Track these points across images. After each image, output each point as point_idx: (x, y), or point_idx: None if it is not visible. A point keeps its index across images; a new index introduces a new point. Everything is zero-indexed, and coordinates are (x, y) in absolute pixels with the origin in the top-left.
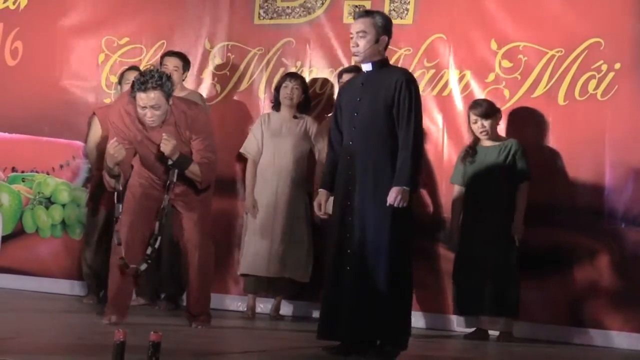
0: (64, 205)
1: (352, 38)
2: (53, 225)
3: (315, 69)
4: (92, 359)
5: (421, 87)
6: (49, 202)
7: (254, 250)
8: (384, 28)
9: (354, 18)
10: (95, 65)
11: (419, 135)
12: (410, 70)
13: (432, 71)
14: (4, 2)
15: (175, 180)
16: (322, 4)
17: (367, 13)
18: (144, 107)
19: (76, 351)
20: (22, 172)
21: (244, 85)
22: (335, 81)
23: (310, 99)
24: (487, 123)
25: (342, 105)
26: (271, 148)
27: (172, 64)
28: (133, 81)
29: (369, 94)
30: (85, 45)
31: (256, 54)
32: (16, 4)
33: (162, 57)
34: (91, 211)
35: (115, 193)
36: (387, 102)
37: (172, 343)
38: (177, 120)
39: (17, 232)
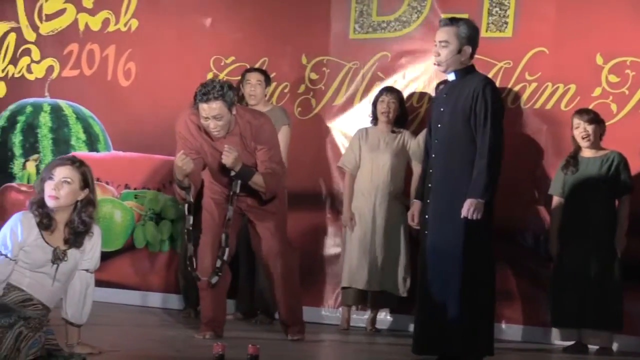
0: (172, 221)
1: (435, 47)
2: (162, 240)
3: (411, 82)
4: None
5: (522, 101)
6: (158, 217)
7: (354, 263)
8: (468, 38)
9: (440, 26)
10: None
11: (496, 144)
12: (511, 83)
13: (534, 85)
14: (115, 25)
15: (238, 191)
16: (418, 17)
17: (452, 22)
18: (207, 118)
19: None
20: (135, 189)
21: (339, 99)
22: (433, 94)
23: (407, 112)
24: (590, 128)
25: (431, 117)
26: (369, 162)
27: (255, 78)
28: (195, 92)
29: (449, 105)
30: (195, 65)
31: (351, 68)
32: (127, 26)
33: (243, 74)
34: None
35: (186, 205)
36: (465, 112)
37: (269, 356)
38: (242, 130)
39: (127, 247)
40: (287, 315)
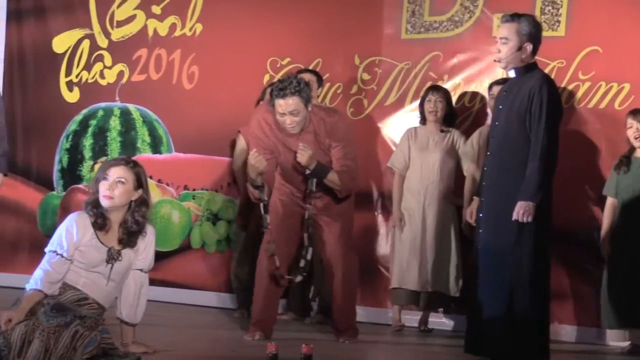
0: (229, 222)
1: (496, 44)
2: (219, 240)
3: (463, 82)
4: None
5: (576, 100)
6: (215, 218)
7: (404, 264)
8: (529, 35)
9: (501, 22)
10: (261, 86)
11: (550, 146)
12: (564, 82)
13: (588, 84)
14: (181, 30)
15: (314, 189)
16: (470, 17)
17: (513, 18)
18: (283, 114)
19: None
20: (193, 189)
21: (390, 99)
22: (486, 94)
23: (455, 111)
24: None
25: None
26: (418, 162)
27: (307, 79)
28: (272, 89)
29: (507, 103)
30: (252, 67)
31: (403, 69)
32: (192, 31)
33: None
34: (240, 226)
35: (262, 204)
36: (520, 111)
37: (323, 356)
38: (316, 128)
39: (184, 248)
40: (341, 321)
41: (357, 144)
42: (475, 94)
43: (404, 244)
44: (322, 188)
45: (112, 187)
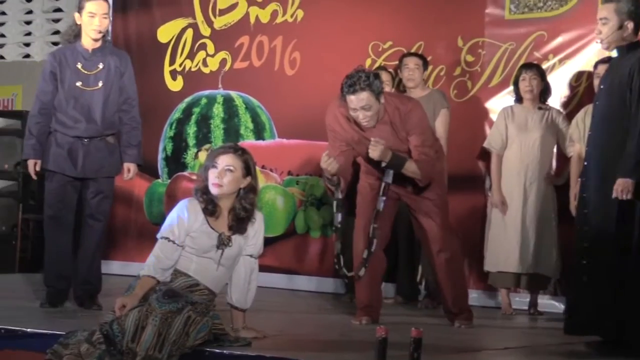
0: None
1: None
2: (323, 225)
3: (569, 61)
4: (356, 355)
5: None
6: (320, 203)
7: (504, 245)
8: (629, 13)
9: (601, 3)
10: None
11: None
12: None
13: None
14: (282, 16)
15: (390, 182)
16: None
17: None
18: (355, 110)
19: (340, 348)
20: (297, 175)
21: (495, 80)
22: (591, 73)
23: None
24: None
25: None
26: (517, 141)
27: (413, 62)
28: (342, 84)
29: (608, 82)
30: (354, 52)
31: (507, 49)
32: (294, 17)
33: (401, 58)
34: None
35: (335, 202)
36: (622, 89)
37: (432, 339)
38: (392, 117)
39: (289, 233)
40: (453, 304)
41: (462, 126)
42: (581, 73)
43: (503, 226)
44: (401, 178)
45: (221, 175)
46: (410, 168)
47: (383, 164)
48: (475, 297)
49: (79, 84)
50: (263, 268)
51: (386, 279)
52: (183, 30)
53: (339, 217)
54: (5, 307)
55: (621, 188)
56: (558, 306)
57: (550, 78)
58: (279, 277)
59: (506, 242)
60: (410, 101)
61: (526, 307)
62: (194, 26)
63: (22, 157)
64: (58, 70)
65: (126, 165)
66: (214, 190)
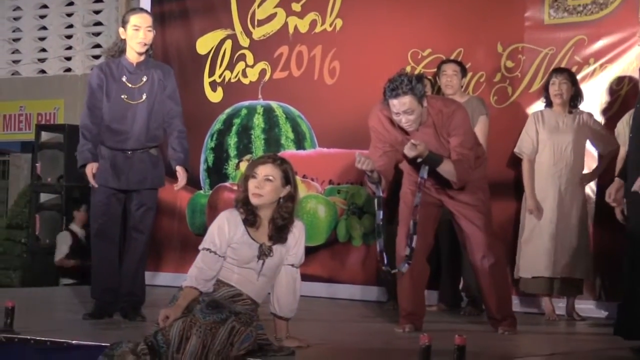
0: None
1: None
2: (365, 234)
3: (610, 65)
4: None
5: None
6: (361, 211)
7: (539, 251)
8: None
9: None
10: None
11: None
12: None
13: None
14: (321, 25)
15: (425, 176)
16: None
17: None
18: (398, 113)
19: (383, 356)
20: (338, 184)
21: (535, 86)
22: (635, 75)
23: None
24: None
25: None
26: (549, 145)
27: (451, 69)
28: (384, 88)
29: None
30: (393, 59)
31: (547, 54)
32: (332, 26)
33: (439, 65)
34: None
35: (376, 199)
36: None
37: (476, 347)
38: (435, 120)
39: (331, 242)
40: (497, 310)
41: (503, 132)
42: (622, 78)
43: (539, 231)
44: (438, 180)
45: (261, 185)
46: (446, 167)
47: (419, 160)
48: (516, 303)
49: (124, 96)
50: (305, 277)
51: (429, 286)
52: (222, 41)
53: (380, 214)
54: (50, 319)
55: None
56: (600, 311)
57: (591, 83)
58: (321, 285)
59: (541, 247)
60: (454, 103)
61: (564, 313)
62: (233, 37)
63: (78, 163)
64: (104, 83)
65: (177, 168)
66: (254, 200)
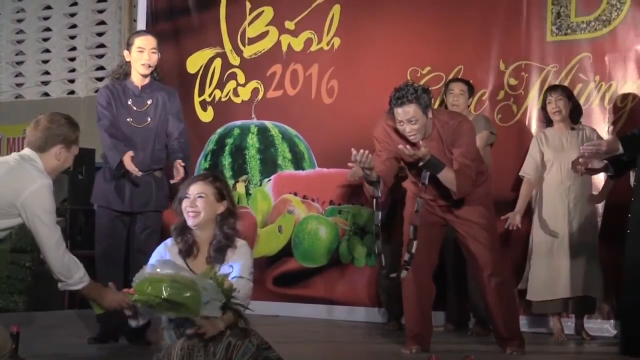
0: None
1: None
2: (367, 254)
3: (614, 82)
4: None
5: None
6: (363, 232)
7: (552, 271)
8: None
9: None
10: None
11: None
12: None
13: None
14: (317, 44)
15: (426, 183)
16: (618, 14)
17: None
18: (402, 122)
19: None
20: (339, 204)
21: (540, 103)
22: (639, 92)
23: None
24: None
25: None
26: (556, 164)
27: (458, 88)
28: (390, 97)
29: None
30: (392, 78)
31: (550, 71)
32: (330, 45)
33: (447, 84)
34: (383, 240)
35: (374, 200)
36: None
37: None
38: (441, 132)
39: (333, 263)
40: (505, 330)
41: (508, 150)
42: (626, 95)
43: (549, 250)
44: (439, 191)
45: (194, 203)
46: (447, 175)
47: (421, 163)
48: (524, 323)
49: (129, 120)
50: (306, 299)
51: (435, 307)
52: (211, 59)
53: (379, 215)
54: (55, 343)
55: None
56: (609, 329)
57: (595, 100)
58: (324, 307)
59: (554, 268)
60: (460, 116)
61: (574, 332)
62: (222, 55)
63: (115, 161)
64: (113, 103)
65: (176, 162)
66: (190, 221)
